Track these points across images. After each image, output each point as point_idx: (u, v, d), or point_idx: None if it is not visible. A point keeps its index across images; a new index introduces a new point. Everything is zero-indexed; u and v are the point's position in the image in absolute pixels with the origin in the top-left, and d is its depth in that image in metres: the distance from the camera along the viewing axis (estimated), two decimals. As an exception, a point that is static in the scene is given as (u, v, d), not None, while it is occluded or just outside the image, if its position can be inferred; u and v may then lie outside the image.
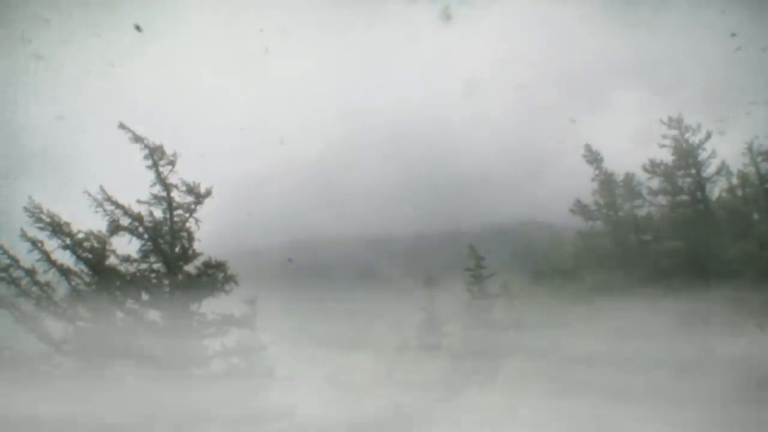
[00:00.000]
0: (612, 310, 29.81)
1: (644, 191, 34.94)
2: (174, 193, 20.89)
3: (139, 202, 20.58)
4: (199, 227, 21.26)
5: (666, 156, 34.03)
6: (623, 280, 32.93)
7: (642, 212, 35.06)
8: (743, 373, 23.81)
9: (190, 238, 21.23)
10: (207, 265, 21.20)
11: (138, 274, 20.58)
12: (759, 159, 32.56)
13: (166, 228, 20.89)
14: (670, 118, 33.83)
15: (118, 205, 20.09)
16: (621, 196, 35.22)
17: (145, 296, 20.67)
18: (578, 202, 35.54)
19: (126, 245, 20.40)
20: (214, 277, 21.14)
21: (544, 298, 34.22)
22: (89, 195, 19.60)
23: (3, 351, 18.17)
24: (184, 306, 20.80)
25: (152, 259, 20.84)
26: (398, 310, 35.79)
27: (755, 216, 33.16)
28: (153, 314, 20.65)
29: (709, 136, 33.42)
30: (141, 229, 20.56)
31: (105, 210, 19.88)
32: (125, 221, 20.29)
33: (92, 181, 19.97)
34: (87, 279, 19.73)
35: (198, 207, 21.14)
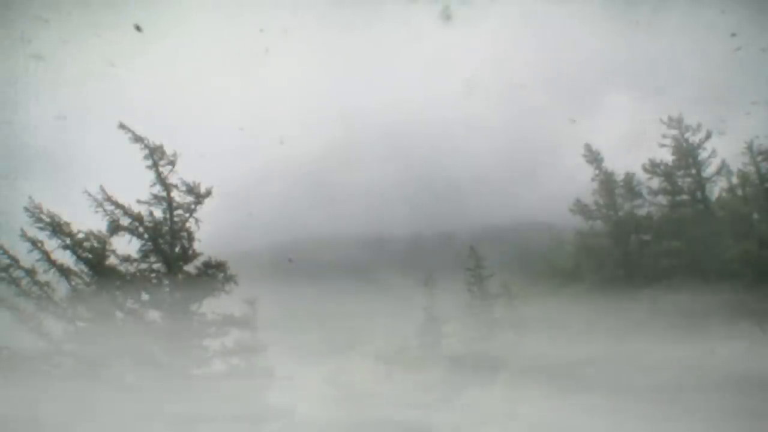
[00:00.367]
0: (612, 310, 29.82)
1: (644, 191, 34.95)
2: (174, 193, 20.88)
3: (139, 202, 20.57)
4: (199, 227, 21.25)
5: (666, 156, 34.09)
6: (623, 280, 32.95)
7: (642, 212, 35.06)
8: (743, 373, 23.81)
9: (190, 238, 21.23)
10: (207, 265, 21.19)
11: (138, 274, 20.56)
12: (759, 159, 32.53)
13: (166, 228, 20.87)
14: (670, 118, 33.84)
15: (118, 205, 20.07)
16: (621, 196, 35.21)
17: (145, 296, 20.65)
18: (578, 201, 35.54)
19: (126, 245, 20.40)
20: (214, 277, 21.12)
21: (544, 298, 34.21)
22: (89, 195, 19.59)
23: (3, 351, 18.16)
24: (184, 306, 20.79)
25: (152, 259, 20.83)
26: (398, 310, 35.81)
27: (755, 216, 33.13)
28: (153, 314, 20.64)
29: (709, 136, 33.44)
30: (141, 229, 20.55)
31: (105, 210, 19.87)
32: (125, 221, 20.28)
33: (92, 181, 19.98)
34: (87, 279, 19.71)
35: (198, 207, 21.13)
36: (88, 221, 19.63)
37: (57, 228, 19.13)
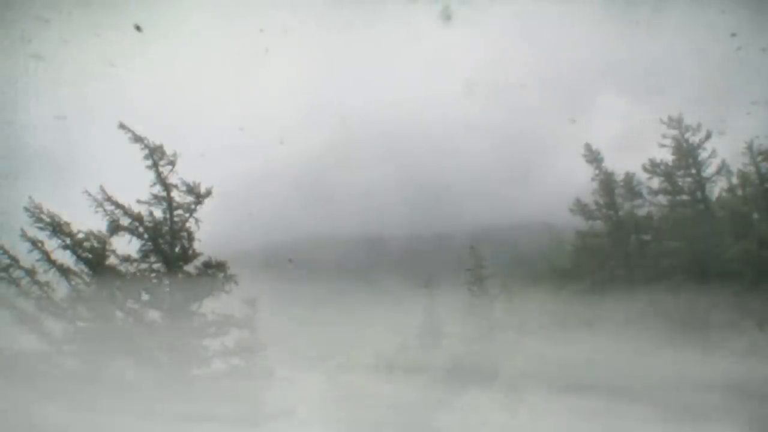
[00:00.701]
0: (612, 310, 29.82)
1: (644, 191, 34.93)
2: (174, 193, 20.93)
3: (139, 202, 20.63)
4: (199, 227, 21.29)
5: (666, 156, 34.05)
6: (623, 281, 32.94)
7: (642, 212, 35.04)
8: (743, 373, 23.80)
9: (190, 238, 21.26)
10: (207, 265, 21.22)
11: (138, 274, 20.60)
12: (759, 159, 32.51)
13: (166, 228, 20.91)
14: (670, 118, 33.79)
15: (118, 205, 20.11)
16: (621, 196, 35.21)
17: (145, 296, 20.68)
18: (578, 201, 35.52)
19: (126, 245, 20.44)
20: (214, 277, 21.14)
21: (543, 298, 34.19)
22: (89, 195, 19.64)
23: (3, 351, 18.17)
24: (184, 306, 20.81)
25: (152, 259, 20.87)
26: (398, 310, 35.77)
27: (755, 216, 33.13)
28: (153, 314, 20.67)
29: (709, 136, 33.39)
30: (141, 229, 20.59)
31: (105, 210, 19.93)
32: (125, 221, 20.35)
33: (92, 181, 20.00)
34: (87, 279, 19.74)
35: (198, 207, 21.17)
36: (88, 221, 19.69)
37: (57, 228, 19.16)
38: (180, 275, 21.00)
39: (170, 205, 20.89)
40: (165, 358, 19.61)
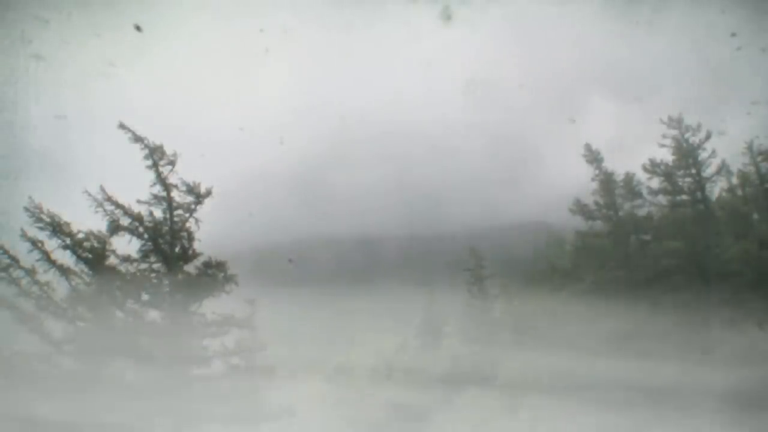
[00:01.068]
0: (612, 310, 29.82)
1: (644, 191, 34.93)
2: (174, 193, 20.87)
3: (139, 202, 20.56)
4: (199, 227, 21.26)
5: (666, 156, 34.05)
6: (623, 280, 32.94)
7: (642, 212, 35.03)
8: (743, 373, 23.82)
9: (190, 238, 21.23)
10: (207, 265, 21.19)
11: (138, 274, 20.58)
12: (759, 159, 32.54)
13: (166, 228, 20.88)
14: (670, 118, 33.77)
15: (118, 205, 20.07)
16: (621, 196, 35.19)
17: (145, 296, 20.65)
18: (578, 201, 35.51)
19: (126, 245, 20.42)
20: (214, 277, 21.13)
21: (543, 299, 34.20)
22: (89, 195, 19.59)
23: (3, 351, 18.17)
24: (184, 306, 20.79)
25: (152, 259, 20.84)
26: (398, 310, 35.77)
27: (755, 216, 33.15)
28: (153, 314, 20.65)
29: (709, 136, 33.37)
30: (141, 229, 20.56)
31: (105, 210, 19.86)
32: (125, 221, 20.29)
33: (92, 181, 19.94)
34: (87, 279, 19.73)
35: (198, 207, 21.14)
36: (88, 221, 19.64)
37: (57, 228, 19.13)
38: (180, 275, 20.97)
39: (170, 205, 20.85)
40: (165, 358, 19.58)
